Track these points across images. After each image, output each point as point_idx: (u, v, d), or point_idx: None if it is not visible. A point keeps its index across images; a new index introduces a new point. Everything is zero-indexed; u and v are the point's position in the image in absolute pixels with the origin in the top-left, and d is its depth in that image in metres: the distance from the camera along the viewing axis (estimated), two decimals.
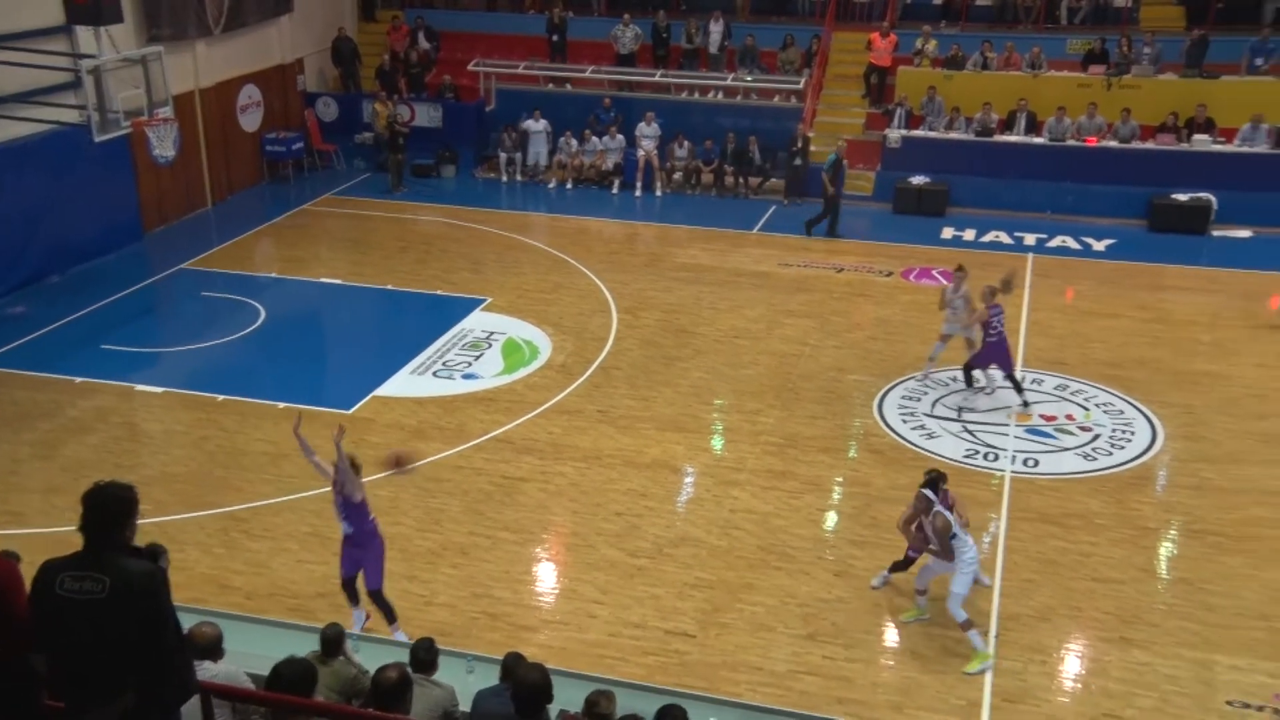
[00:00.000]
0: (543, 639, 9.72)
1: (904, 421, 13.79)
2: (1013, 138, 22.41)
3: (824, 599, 10.39)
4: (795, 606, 10.28)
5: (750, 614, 10.18)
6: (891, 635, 10.00)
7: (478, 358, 15.47)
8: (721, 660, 9.57)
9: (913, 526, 9.78)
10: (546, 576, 10.90)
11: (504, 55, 25.35)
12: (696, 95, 24.48)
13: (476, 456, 12.85)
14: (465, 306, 17.17)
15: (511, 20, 27.08)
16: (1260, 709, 8.96)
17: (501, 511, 11.74)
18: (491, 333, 16.26)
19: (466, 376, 14.90)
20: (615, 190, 23.48)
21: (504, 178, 24.16)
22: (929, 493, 9.69)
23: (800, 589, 10.53)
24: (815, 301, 17.65)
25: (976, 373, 14.23)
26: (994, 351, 13.87)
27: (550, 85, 25.22)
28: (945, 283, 15.92)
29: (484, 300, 17.39)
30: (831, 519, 11.88)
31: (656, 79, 24.57)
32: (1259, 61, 22.01)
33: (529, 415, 13.82)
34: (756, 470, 12.65)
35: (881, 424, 13.74)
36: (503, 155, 24.07)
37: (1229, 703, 9.05)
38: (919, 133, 22.71)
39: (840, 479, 12.62)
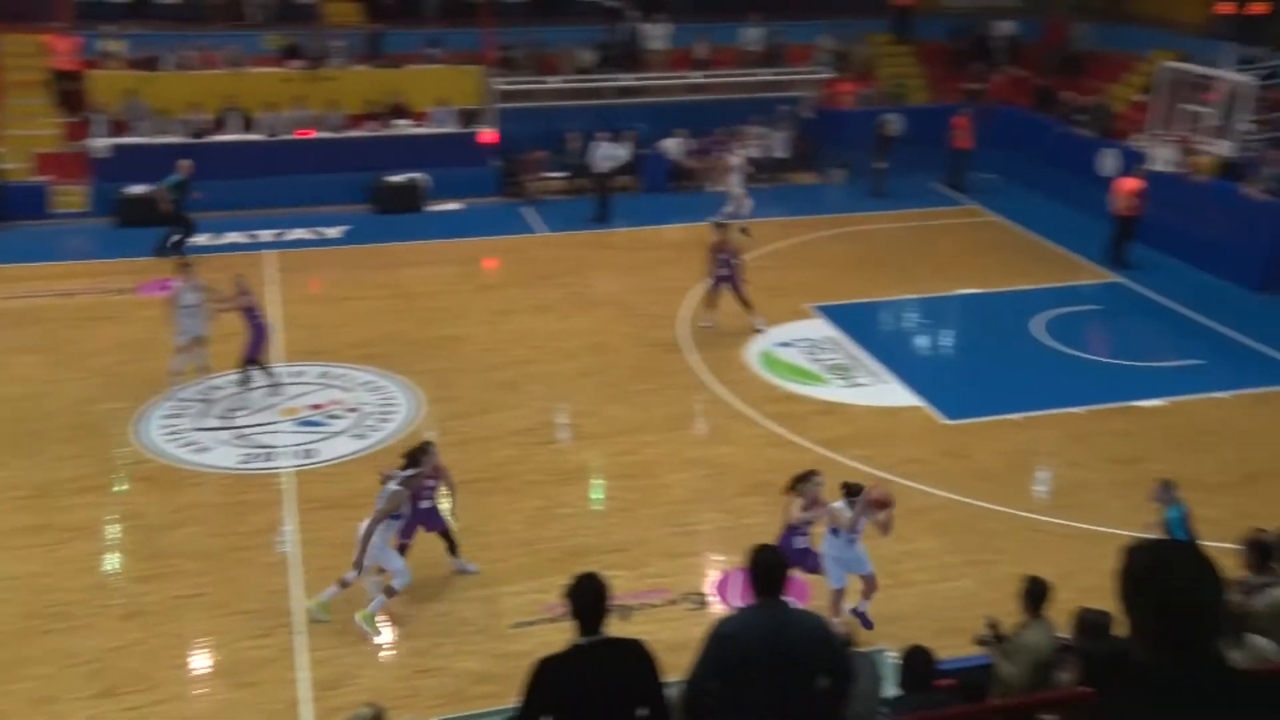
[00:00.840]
0: None
1: (170, 441, 13.21)
2: (229, 137, 22.27)
3: (115, 647, 9.66)
4: (80, 666, 9.42)
5: (24, 691, 9.12)
6: (199, 661, 9.64)
7: None
8: None
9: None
10: None
11: None
12: None
13: None
14: None
15: None
16: (535, 623, 10.13)
17: None
18: None
19: None
20: None
21: None
22: None
23: (84, 646, 9.67)
24: (46, 333, 16.13)
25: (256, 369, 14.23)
26: (259, 336, 14.07)
27: None
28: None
29: None
30: (110, 561, 11.06)
31: None
32: (434, 51, 24.25)
33: None
34: (7, 531, 11.29)
35: (145, 449, 13.02)
36: None
37: (513, 625, 10.11)
38: (129, 140, 21.57)
39: (111, 516, 11.77)
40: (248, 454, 13.04)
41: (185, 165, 19.53)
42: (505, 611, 10.33)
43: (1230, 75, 17.04)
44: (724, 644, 5.21)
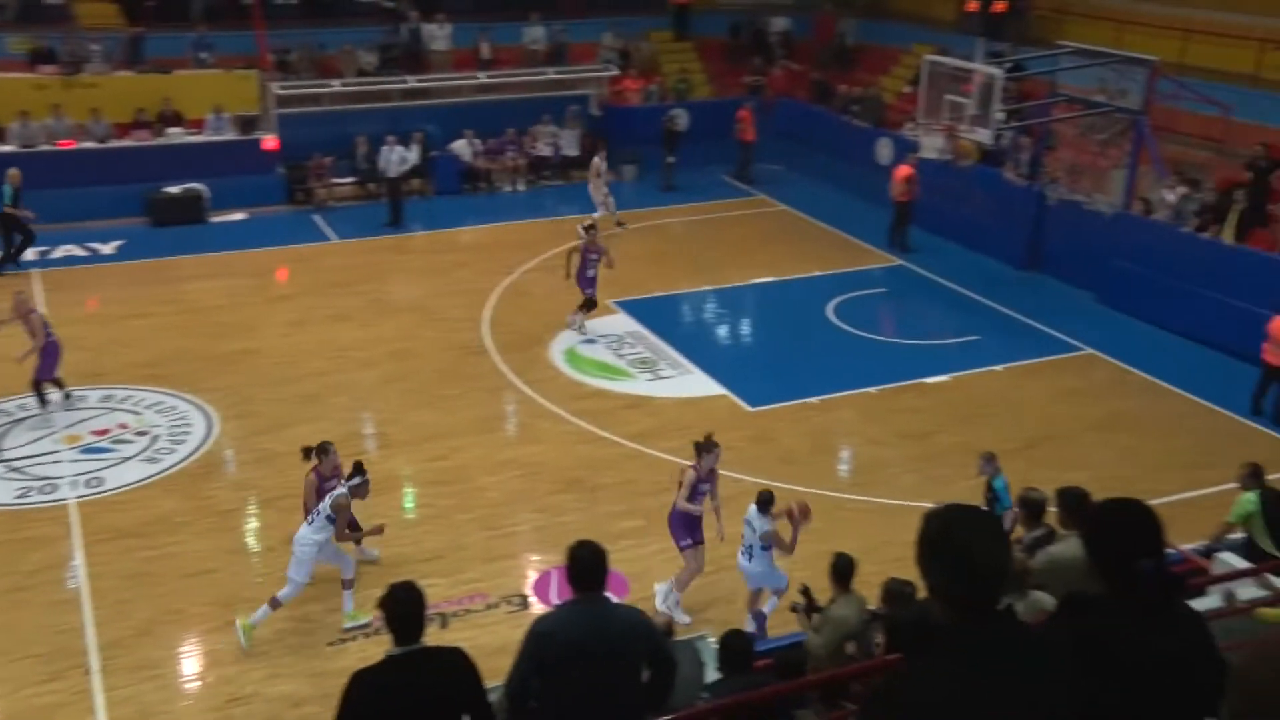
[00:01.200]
0: None
1: None
2: None
3: None
4: None
5: None
6: None
7: None
8: None
9: None
10: None
11: None
12: None
13: None
14: None
15: None
16: (354, 638, 9.87)
17: None
18: None
19: None
20: None
21: None
22: None
23: None
24: None
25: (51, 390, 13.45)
26: (51, 354, 13.42)
27: None
28: None
29: None
30: None
31: None
32: (204, 55, 23.16)
33: None
34: None
35: None
36: None
37: (330, 644, 9.84)
38: None
39: None
40: (24, 487, 12.18)
41: (14, 174, 18.64)
42: (320, 630, 10.04)
43: (982, 68, 18.15)
44: (542, 641, 5.21)
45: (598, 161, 21.29)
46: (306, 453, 10.51)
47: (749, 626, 9.86)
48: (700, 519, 10.30)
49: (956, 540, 2.69)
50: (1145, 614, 3.01)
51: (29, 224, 18.85)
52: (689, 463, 10.47)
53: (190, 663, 9.69)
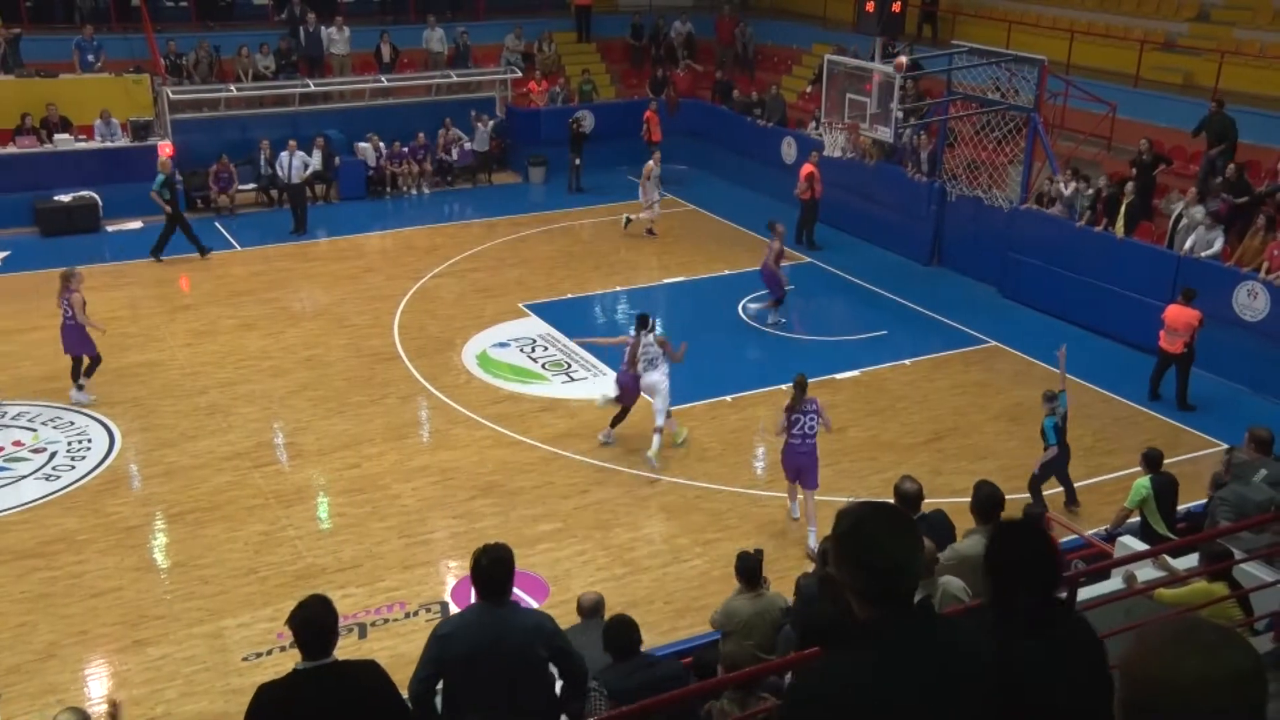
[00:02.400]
0: None
1: None
2: None
3: None
4: None
5: None
6: None
7: None
8: None
9: None
10: None
11: None
12: None
13: None
14: None
15: None
16: (270, 652, 9.69)
17: None
18: None
19: None
20: None
21: None
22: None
23: None
24: None
25: None
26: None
27: None
28: None
29: None
30: None
31: None
32: (91, 59, 22.43)
33: None
34: None
35: None
36: None
37: (244, 659, 9.62)
38: None
39: None
40: None
41: (165, 161, 19.41)
42: (234, 646, 9.82)
43: (879, 67, 18.50)
44: (442, 644, 5.23)
45: (651, 164, 21.11)
46: (643, 321, 13.19)
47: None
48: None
49: (865, 538, 2.71)
50: (1024, 635, 3.12)
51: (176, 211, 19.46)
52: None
53: (97, 685, 9.39)
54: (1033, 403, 14.63)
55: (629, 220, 21.25)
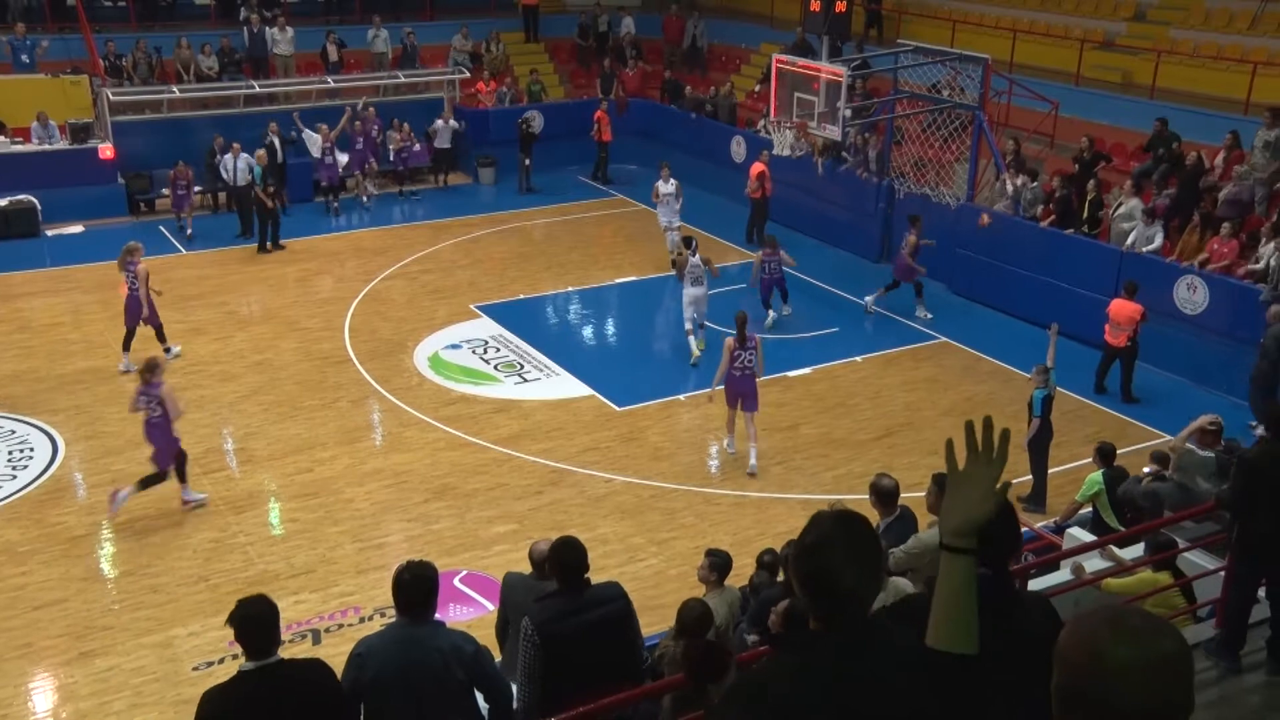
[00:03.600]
0: None
1: None
2: None
3: None
4: None
5: None
6: None
7: None
8: None
9: None
10: None
11: None
12: None
13: None
14: None
15: None
16: (222, 661, 9.56)
17: None
18: None
19: None
20: None
21: None
22: None
23: None
24: None
25: None
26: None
27: None
28: None
29: None
30: None
31: None
32: (25, 59, 21.99)
33: None
34: None
35: None
36: None
37: (195, 668, 9.48)
38: None
39: None
40: None
41: (261, 154, 20.16)
42: (184, 655, 9.68)
43: (827, 66, 18.64)
44: (357, 663, 5.13)
45: (659, 184, 19.62)
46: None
47: None
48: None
49: (826, 560, 2.67)
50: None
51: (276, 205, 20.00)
52: None
53: (43, 699, 9.23)
54: (984, 397, 14.87)
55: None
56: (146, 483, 11.59)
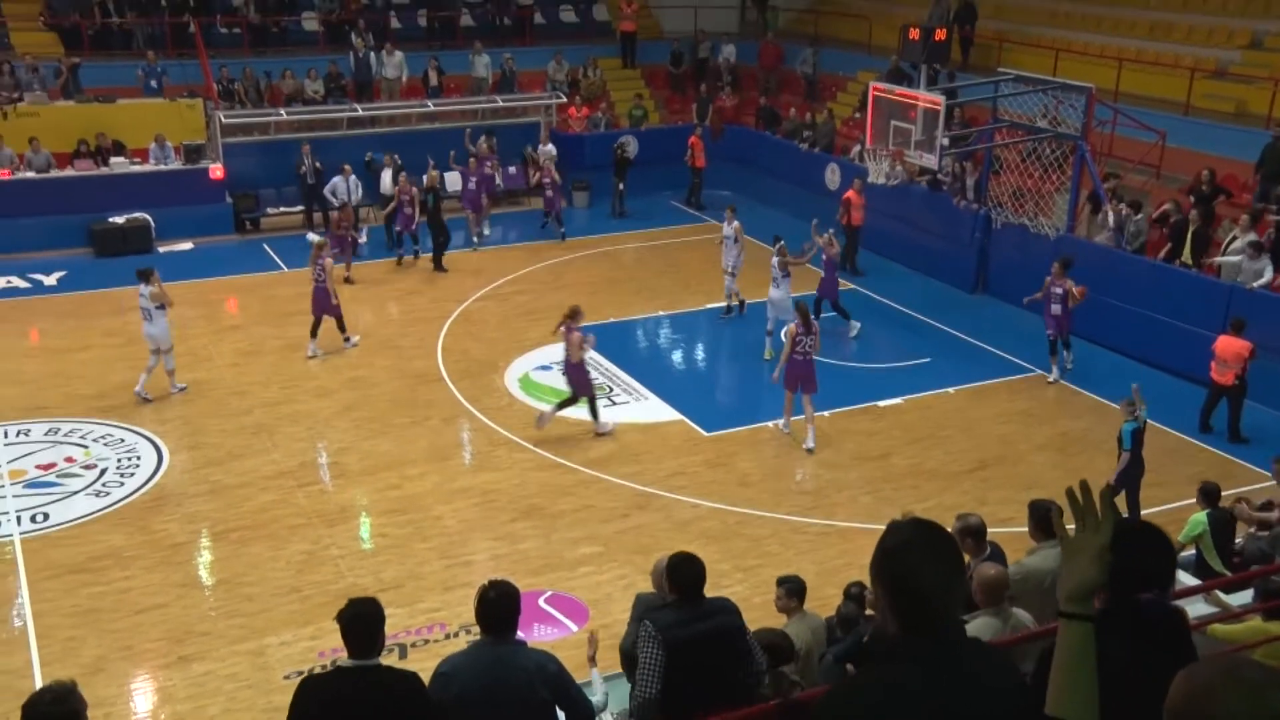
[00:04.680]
0: None
1: None
2: None
3: None
4: None
5: None
6: None
7: None
8: None
9: None
10: None
11: None
12: None
13: None
14: None
15: None
16: (311, 670, 9.72)
17: None
18: None
19: None
20: None
21: None
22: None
23: None
24: None
25: None
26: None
27: None
28: None
29: None
30: None
31: None
32: (154, 84, 22.92)
33: None
34: None
35: None
36: None
37: (286, 677, 9.66)
38: None
39: None
40: None
41: (433, 175, 20.86)
42: (276, 663, 9.87)
43: (925, 94, 18.47)
44: (441, 682, 5.16)
45: (724, 226, 18.50)
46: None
47: None
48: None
49: (906, 562, 2.69)
50: (1135, 637, 3.07)
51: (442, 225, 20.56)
52: None
53: (143, 700, 9.49)
54: (1080, 433, 14.51)
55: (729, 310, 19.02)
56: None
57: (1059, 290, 15.64)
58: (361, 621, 4.90)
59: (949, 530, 2.87)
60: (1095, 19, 23.49)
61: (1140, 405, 11.70)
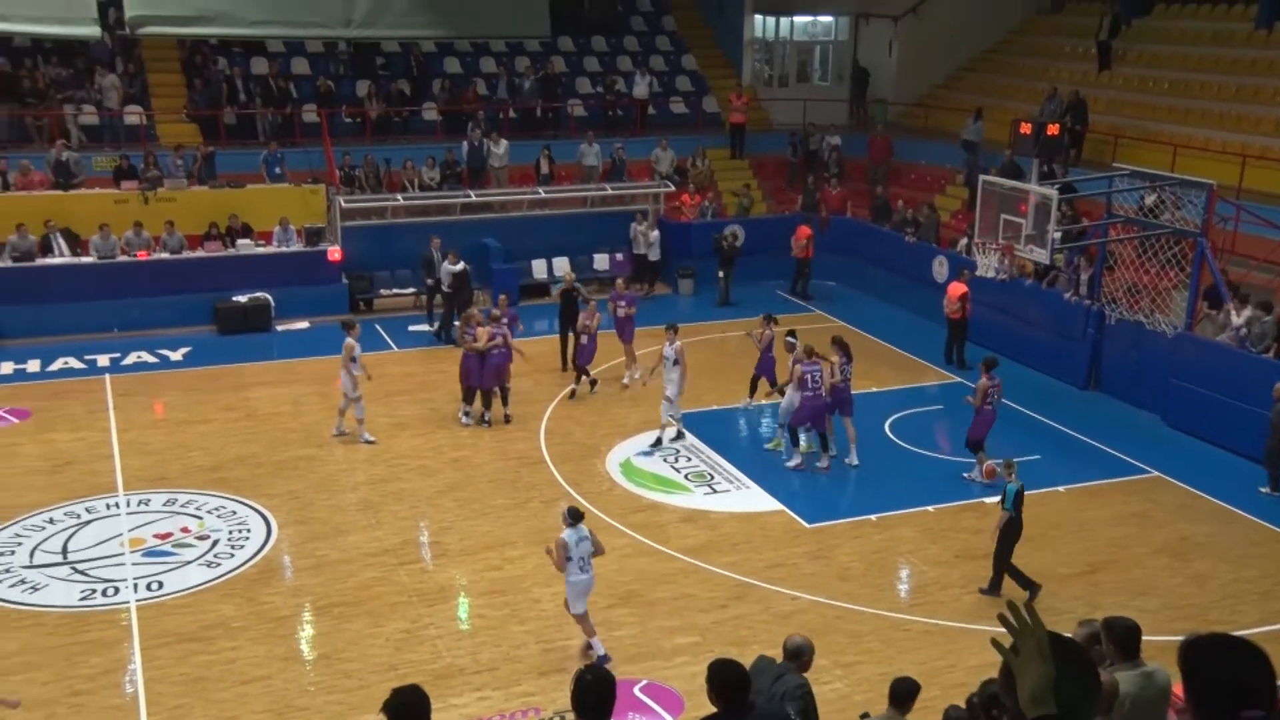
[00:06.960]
0: None
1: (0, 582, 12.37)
2: (57, 260, 21.40)
3: None
4: None
5: None
6: None
7: None
8: None
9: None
10: None
11: None
12: None
13: None
14: None
15: None
16: None
17: None
18: None
19: None
20: None
21: None
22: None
23: None
24: None
25: None
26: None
27: None
28: (15, 420, 14.73)
29: None
30: None
31: None
32: (277, 170, 24.02)
33: None
34: None
35: None
36: None
37: None
38: None
39: None
40: (88, 589, 12.31)
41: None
42: None
43: (1037, 188, 18.30)
44: None
45: (665, 346, 17.15)
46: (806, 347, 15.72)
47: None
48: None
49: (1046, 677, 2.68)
50: None
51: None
52: None
53: None
54: (1201, 538, 13.94)
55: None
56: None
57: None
58: (406, 710, 4.89)
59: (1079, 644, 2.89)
60: (1217, 115, 23.06)
61: (1013, 468, 12.59)
